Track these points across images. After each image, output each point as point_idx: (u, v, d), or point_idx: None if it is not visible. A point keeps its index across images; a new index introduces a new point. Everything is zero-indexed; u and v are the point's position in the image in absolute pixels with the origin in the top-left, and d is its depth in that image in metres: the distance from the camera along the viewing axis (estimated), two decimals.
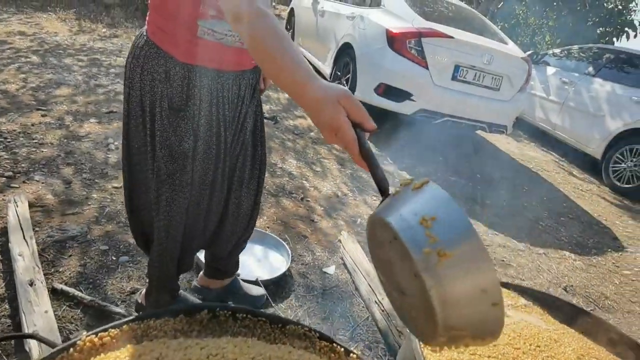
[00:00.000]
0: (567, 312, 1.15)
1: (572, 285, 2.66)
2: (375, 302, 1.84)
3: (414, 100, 3.91)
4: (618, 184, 5.03)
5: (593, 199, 4.52)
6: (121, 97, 3.44)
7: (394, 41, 3.83)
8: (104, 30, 5.43)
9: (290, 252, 2.03)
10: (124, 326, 0.65)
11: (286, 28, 6.94)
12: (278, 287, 1.85)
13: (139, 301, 1.48)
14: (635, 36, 6.50)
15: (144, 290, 1.47)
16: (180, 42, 1.08)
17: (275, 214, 2.41)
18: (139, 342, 0.64)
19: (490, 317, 0.52)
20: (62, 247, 1.73)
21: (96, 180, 2.24)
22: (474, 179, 3.96)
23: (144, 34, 1.14)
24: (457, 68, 3.89)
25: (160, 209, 1.19)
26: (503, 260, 2.72)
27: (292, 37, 6.43)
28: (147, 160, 1.19)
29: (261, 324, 0.74)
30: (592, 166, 5.45)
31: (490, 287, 0.51)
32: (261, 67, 0.85)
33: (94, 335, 0.63)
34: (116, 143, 2.66)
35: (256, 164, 1.39)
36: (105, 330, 0.64)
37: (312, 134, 3.81)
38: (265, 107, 4.10)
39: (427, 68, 3.82)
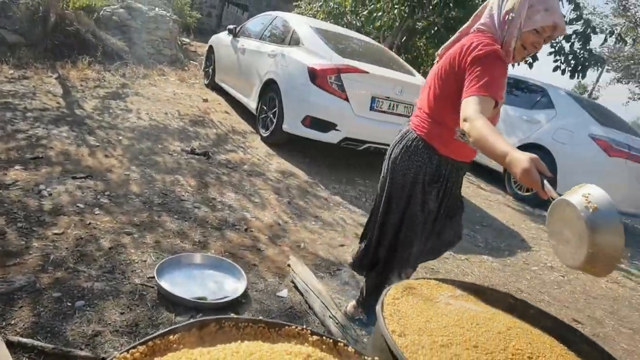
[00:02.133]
0: (495, 298, 1.39)
1: (493, 284, 3.02)
2: (330, 317, 1.99)
3: (338, 130, 4.20)
4: (519, 192, 5.72)
5: (500, 207, 5.10)
6: (44, 141, 3.32)
7: (316, 77, 4.13)
8: (10, 71, 5.15)
9: (245, 275, 2.13)
10: (149, 342, 0.75)
11: (205, 65, 7.05)
12: (237, 313, 1.94)
13: (347, 311, 2.07)
14: (518, 64, 7.50)
15: (351, 303, 2.11)
16: (443, 140, 1.67)
17: (222, 247, 2.49)
18: (163, 355, 0.74)
19: (615, 253, 0.96)
20: (9, 299, 1.68)
21: (34, 229, 2.17)
22: None
23: (412, 130, 1.75)
24: (373, 99, 4.27)
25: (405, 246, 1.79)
26: (432, 268, 3.01)
27: (213, 73, 6.56)
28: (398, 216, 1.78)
29: (261, 329, 0.87)
30: (496, 179, 6.14)
31: (618, 234, 0.95)
32: (477, 145, 1.31)
33: (126, 352, 0.72)
34: (48, 189, 2.58)
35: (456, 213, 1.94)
36: (133, 347, 0.73)
37: (245, 167, 3.93)
38: (195, 144, 4.16)
39: (347, 100, 4.15)
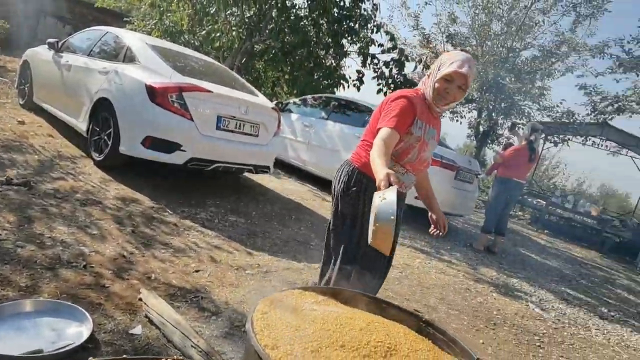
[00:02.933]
0: (352, 299, 1.51)
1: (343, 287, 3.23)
2: (192, 346, 1.88)
3: (184, 151, 4.05)
4: None
5: None
6: None
7: (156, 95, 3.92)
8: None
9: (89, 316, 1.88)
10: None
11: (20, 82, 6.09)
12: None
13: None
14: (348, 87, 8.34)
15: None
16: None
17: (57, 288, 2.16)
18: None
19: (388, 231, 1.32)
20: None
21: None
22: (251, 216, 4.32)
23: (351, 162, 2.02)
24: (219, 119, 4.23)
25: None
26: (289, 281, 3.10)
27: (31, 92, 5.70)
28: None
29: None
30: None
31: (389, 220, 1.30)
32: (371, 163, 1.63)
33: None
34: None
35: None
36: None
37: (78, 195, 3.49)
38: (12, 172, 3.54)
39: (192, 120, 4.03)
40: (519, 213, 12.70)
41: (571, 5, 9.28)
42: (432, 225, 2.13)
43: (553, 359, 3.09)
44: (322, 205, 5.78)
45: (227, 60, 7.96)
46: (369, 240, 1.40)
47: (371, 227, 1.36)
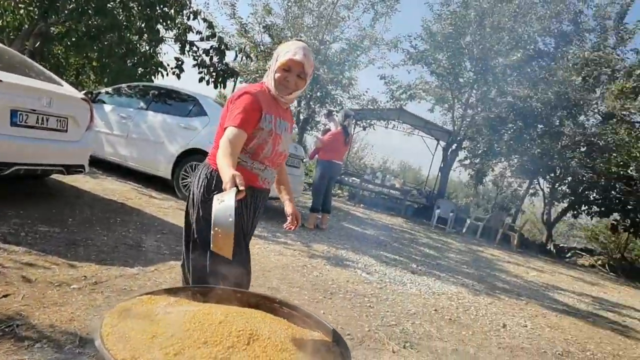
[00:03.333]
0: (203, 293, 1.50)
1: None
2: None
3: None
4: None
5: (176, 213, 5.27)
6: None
7: None
8: None
9: None
10: None
11: None
12: None
13: None
14: (167, 75, 7.88)
15: None
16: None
17: None
18: None
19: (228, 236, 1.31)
20: None
21: None
22: (67, 223, 3.81)
23: (208, 164, 1.93)
24: (14, 113, 3.57)
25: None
26: (125, 289, 2.86)
27: None
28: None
29: None
30: (166, 185, 6.29)
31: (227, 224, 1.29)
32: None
33: None
34: None
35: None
36: None
37: None
38: None
39: None
40: (338, 191, 14.00)
41: (370, 3, 10.50)
42: (288, 220, 2.13)
43: (381, 315, 3.57)
44: (150, 203, 5.42)
45: (14, 43, 6.68)
46: (211, 245, 1.35)
47: (211, 232, 1.33)
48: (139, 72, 7.85)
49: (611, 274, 12.91)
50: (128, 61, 7.69)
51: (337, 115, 6.80)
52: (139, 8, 7.19)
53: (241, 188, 1.44)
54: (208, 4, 10.39)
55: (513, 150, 13.08)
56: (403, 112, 13.03)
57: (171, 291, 1.48)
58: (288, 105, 2.04)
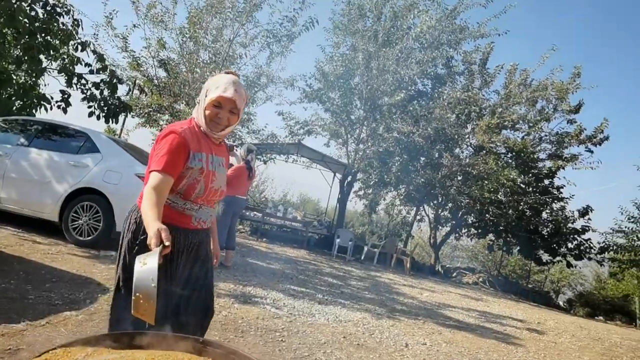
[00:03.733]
0: (123, 340, 1.45)
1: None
2: None
3: None
4: (81, 238, 5.58)
5: (65, 257, 4.82)
6: None
7: None
8: None
9: None
10: None
11: None
12: None
13: None
14: (51, 108, 7.25)
15: None
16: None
17: None
18: None
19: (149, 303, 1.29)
20: None
21: None
22: None
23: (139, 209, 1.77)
24: None
25: None
26: (10, 349, 2.56)
27: None
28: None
29: None
30: (54, 229, 5.72)
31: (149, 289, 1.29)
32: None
33: None
34: None
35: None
36: None
37: None
38: None
39: None
40: (240, 226, 13.83)
41: (266, 43, 10.87)
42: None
43: (294, 347, 3.62)
44: (34, 249, 4.89)
45: None
46: (132, 310, 1.30)
47: (132, 297, 1.28)
48: (17, 104, 7.11)
49: (490, 288, 14.43)
50: (4, 92, 6.95)
51: (238, 150, 6.85)
52: (16, 36, 6.59)
53: (167, 243, 1.42)
54: (97, 35, 9.82)
55: (400, 181, 14.22)
56: (301, 146, 13.48)
57: (88, 341, 1.41)
58: (221, 139, 1.94)
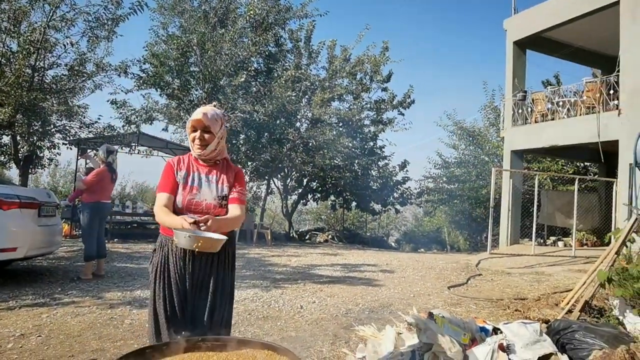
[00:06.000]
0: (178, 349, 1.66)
1: None
2: None
3: None
4: None
5: None
6: None
7: None
8: None
9: None
10: None
11: None
12: None
13: None
14: None
15: None
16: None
17: None
18: None
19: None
20: None
21: None
22: None
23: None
24: None
25: None
26: None
27: None
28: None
29: None
30: None
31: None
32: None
33: None
34: None
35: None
36: None
37: None
38: None
39: None
40: None
41: (89, 28, 9.81)
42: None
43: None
44: None
45: None
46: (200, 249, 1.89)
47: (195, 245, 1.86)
48: None
49: (339, 243, 16.24)
50: None
51: (93, 153, 6.40)
52: None
53: (190, 221, 1.92)
54: None
55: (249, 158, 14.70)
56: (142, 135, 12.75)
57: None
58: (215, 161, 2.24)
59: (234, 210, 2.19)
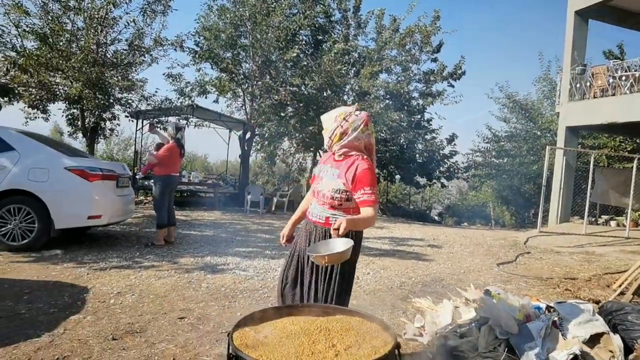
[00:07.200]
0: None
1: None
2: None
3: None
4: (14, 243, 5.36)
5: (12, 267, 4.70)
6: None
7: None
8: None
9: None
10: None
11: None
12: None
13: None
14: None
15: None
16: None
17: None
18: None
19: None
20: None
21: None
22: None
23: None
24: None
25: None
26: None
27: None
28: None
29: None
30: None
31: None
32: None
33: None
34: None
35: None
36: None
37: None
38: None
39: None
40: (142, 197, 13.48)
41: (146, 3, 10.24)
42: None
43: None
44: None
45: None
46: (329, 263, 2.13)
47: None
48: None
49: (383, 215, 16.46)
50: None
51: (160, 128, 6.86)
52: None
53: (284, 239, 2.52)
54: None
55: (296, 130, 15.01)
56: (196, 108, 13.29)
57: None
58: (344, 154, 2.34)
59: (366, 211, 2.24)
